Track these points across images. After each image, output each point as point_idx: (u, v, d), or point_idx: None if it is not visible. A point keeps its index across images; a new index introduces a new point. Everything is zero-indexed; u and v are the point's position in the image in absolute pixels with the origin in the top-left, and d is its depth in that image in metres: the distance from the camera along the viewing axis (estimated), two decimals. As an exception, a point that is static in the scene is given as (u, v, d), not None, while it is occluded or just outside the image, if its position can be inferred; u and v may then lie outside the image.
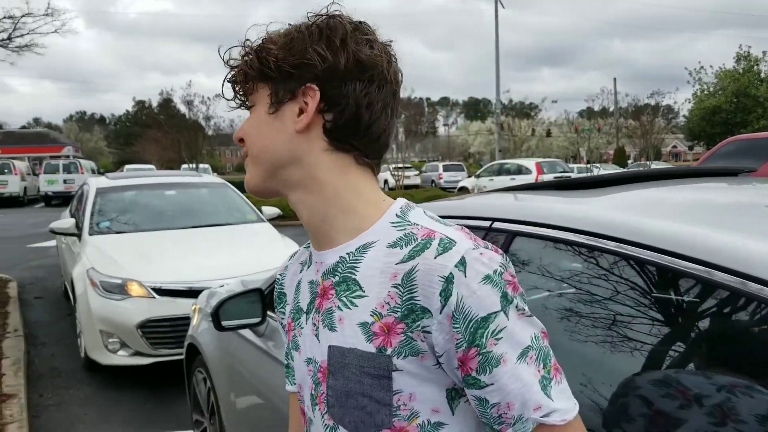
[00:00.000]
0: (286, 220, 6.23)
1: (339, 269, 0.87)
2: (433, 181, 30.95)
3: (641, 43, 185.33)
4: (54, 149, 46.36)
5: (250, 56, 0.89)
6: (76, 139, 60.10)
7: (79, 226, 5.89)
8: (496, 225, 1.65)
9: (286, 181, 0.89)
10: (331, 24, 0.86)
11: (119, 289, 4.72)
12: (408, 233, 0.84)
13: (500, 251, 0.83)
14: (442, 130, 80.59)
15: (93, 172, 28.82)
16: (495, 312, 0.77)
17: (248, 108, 0.93)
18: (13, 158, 30.23)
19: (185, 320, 4.50)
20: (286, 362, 1.08)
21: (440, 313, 0.78)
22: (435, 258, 0.79)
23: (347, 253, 0.87)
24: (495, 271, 0.79)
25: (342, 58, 0.84)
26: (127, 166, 31.30)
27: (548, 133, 47.17)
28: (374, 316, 0.82)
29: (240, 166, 55.17)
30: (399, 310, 0.80)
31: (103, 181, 6.68)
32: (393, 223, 0.86)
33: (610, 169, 30.19)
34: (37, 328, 6.26)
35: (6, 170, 25.89)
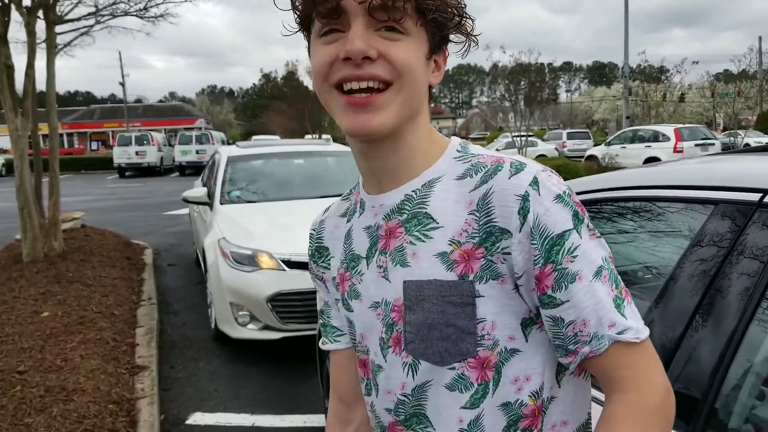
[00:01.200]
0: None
1: (406, 207, 0.87)
2: (556, 149, 29.40)
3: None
4: (187, 122, 49.42)
5: None
6: (207, 111, 63.57)
7: (210, 194, 5.80)
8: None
9: (405, 128, 0.86)
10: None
11: (249, 261, 4.52)
12: (475, 163, 0.85)
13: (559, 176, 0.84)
14: (564, 96, 76.99)
15: (223, 142, 30.20)
16: (569, 230, 0.79)
17: (396, 30, 0.81)
18: (152, 130, 32.34)
19: (314, 294, 4.24)
20: (322, 321, 1.06)
21: (519, 231, 0.79)
22: (509, 179, 0.80)
23: (413, 191, 0.87)
24: (564, 192, 0.81)
25: (466, 19, 0.86)
26: (254, 137, 32.43)
27: (681, 98, 43.42)
28: (453, 245, 0.82)
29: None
30: (477, 235, 0.81)
31: (233, 150, 6.57)
32: (456, 158, 0.87)
33: (754, 137, 27.14)
34: (170, 296, 6.33)
35: (145, 142, 27.68)
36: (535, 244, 0.78)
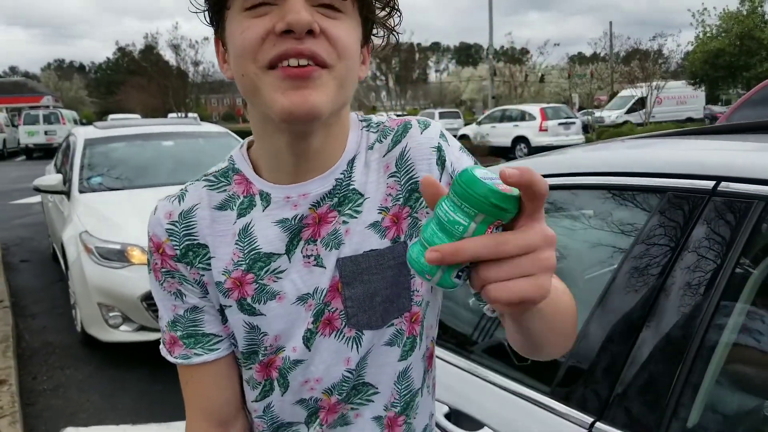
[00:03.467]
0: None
1: (337, 190, 0.83)
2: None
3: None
4: (32, 99, 44.77)
5: None
6: (55, 88, 58.08)
7: (66, 182, 5.20)
8: (728, 187, 1.08)
9: (337, 114, 0.81)
10: None
11: (119, 256, 4.09)
12: (382, 129, 0.87)
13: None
14: (433, 76, 79.09)
15: (75, 122, 27.72)
16: None
17: (334, 8, 0.75)
18: (-10, 109, 28.92)
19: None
20: (186, 332, 0.87)
21: (440, 180, 0.82)
22: (422, 134, 0.84)
23: (342, 173, 0.84)
24: (462, 146, 0.88)
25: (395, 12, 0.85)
26: (111, 116, 30.03)
27: (542, 79, 46.29)
28: (382, 212, 0.83)
29: (228, 115, 53.65)
30: (401, 195, 0.83)
31: (91, 132, 5.90)
32: (363, 129, 0.88)
33: (608, 111, 29.57)
34: (25, 297, 5.65)
35: (-17, 122, 24.69)
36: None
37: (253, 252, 0.83)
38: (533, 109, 19.03)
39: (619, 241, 1.23)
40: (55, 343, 4.55)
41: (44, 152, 24.57)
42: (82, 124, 28.75)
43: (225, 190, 0.86)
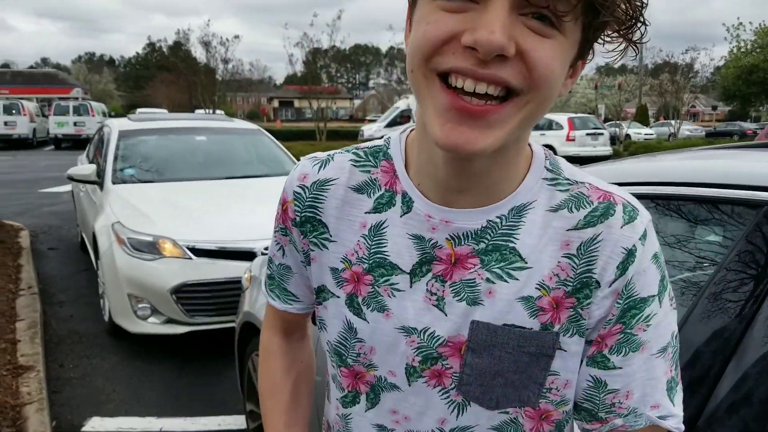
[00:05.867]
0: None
1: (487, 236, 0.72)
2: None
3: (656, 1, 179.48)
4: (63, 90, 45.57)
5: None
6: (85, 80, 58.97)
7: (100, 172, 5.23)
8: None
9: (510, 144, 0.66)
10: None
11: (150, 248, 4.09)
12: (576, 194, 0.72)
13: None
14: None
15: (104, 114, 28.09)
16: (653, 296, 0.71)
17: (549, 23, 0.59)
18: (22, 99, 29.42)
19: (224, 285, 3.98)
20: (272, 279, 0.92)
21: (609, 286, 0.70)
22: (621, 228, 0.70)
23: (498, 217, 0.72)
24: (659, 250, 0.73)
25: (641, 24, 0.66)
26: (139, 110, 30.40)
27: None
28: (541, 290, 0.71)
29: (252, 113, 53.79)
30: (570, 283, 0.71)
31: (125, 123, 5.94)
32: (547, 179, 0.73)
33: (634, 128, 29.23)
34: (53, 284, 5.68)
35: (15, 111, 25.05)
36: (619, 304, 0.70)
37: (379, 256, 0.77)
38: (560, 118, 18.88)
39: (708, 254, 1.17)
40: (81, 332, 4.56)
41: (72, 143, 24.93)
42: (111, 116, 29.13)
43: (369, 171, 0.79)
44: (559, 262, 0.71)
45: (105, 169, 5.16)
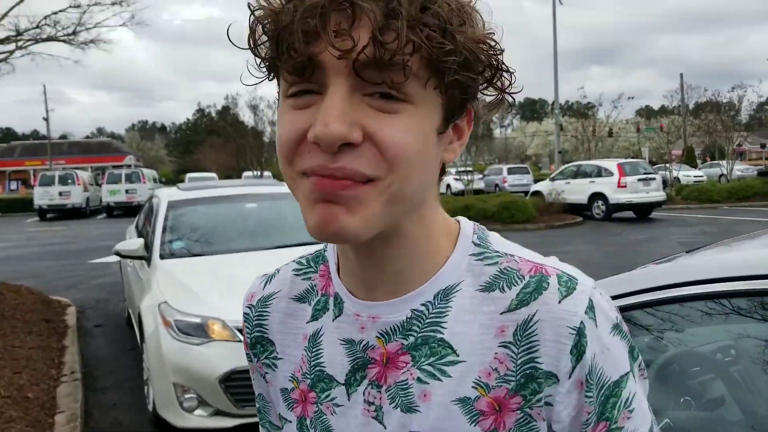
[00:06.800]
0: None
1: (414, 327, 0.66)
2: (497, 185, 29.65)
3: (692, 38, 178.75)
4: (117, 159, 47.36)
5: (440, 30, 0.56)
6: (137, 148, 61.33)
7: (148, 246, 4.96)
8: None
9: (404, 224, 0.65)
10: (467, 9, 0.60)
11: (198, 331, 3.72)
12: (505, 269, 0.66)
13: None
14: (498, 131, 79.13)
15: (155, 181, 28.79)
16: (625, 374, 0.63)
17: (394, 98, 0.57)
18: (77, 168, 30.51)
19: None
20: (260, 416, 0.85)
21: (569, 377, 0.61)
22: (560, 302, 0.62)
23: (423, 305, 0.66)
24: (618, 318, 0.65)
25: (502, 73, 0.64)
26: (189, 175, 31.02)
27: (610, 133, 45.33)
28: (479, 389, 0.64)
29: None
30: (513, 378, 0.63)
31: (174, 193, 5.71)
32: (474, 255, 0.68)
33: (683, 171, 28.20)
34: (97, 367, 5.38)
35: (69, 181, 25.88)
36: (590, 396, 0.61)
37: (318, 369, 0.72)
38: (610, 164, 18.19)
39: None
40: (125, 423, 4.19)
41: (124, 210, 25.46)
42: (161, 182, 29.80)
43: (309, 278, 0.76)
44: (496, 353, 0.63)
45: (153, 243, 4.90)
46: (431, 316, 0.65)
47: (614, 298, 1.35)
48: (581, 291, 0.62)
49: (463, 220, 0.72)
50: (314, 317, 0.74)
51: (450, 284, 0.66)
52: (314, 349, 0.73)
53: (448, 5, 0.56)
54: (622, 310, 1.36)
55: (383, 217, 0.60)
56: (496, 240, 0.70)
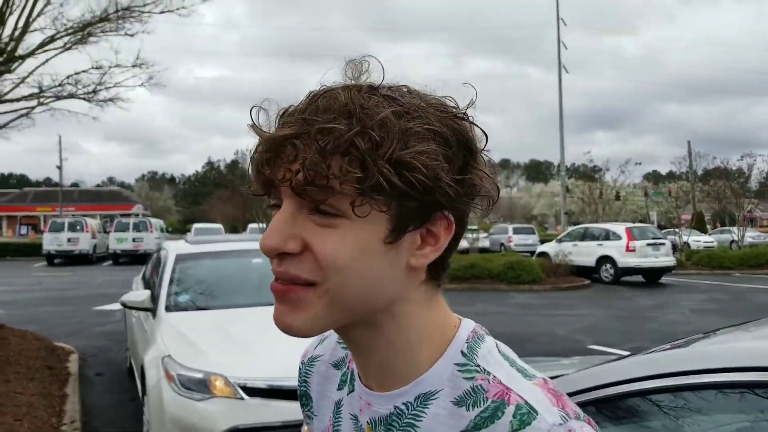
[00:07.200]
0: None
1: (395, 423, 0.69)
2: (502, 244, 29.67)
3: (697, 107, 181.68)
4: (125, 207, 47.86)
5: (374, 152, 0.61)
6: (146, 197, 62.01)
7: (154, 298, 5.00)
8: None
9: (360, 322, 0.68)
10: (458, 126, 0.65)
11: (200, 386, 3.72)
12: (476, 387, 0.66)
13: (594, 425, 0.63)
14: (503, 191, 79.80)
15: (162, 230, 28.97)
16: None
17: (329, 214, 0.63)
18: (86, 216, 30.81)
19: (282, 430, 3.52)
20: None
21: None
22: None
23: (404, 404, 0.69)
24: None
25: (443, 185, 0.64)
26: (195, 225, 31.26)
27: (617, 197, 45.54)
28: None
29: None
30: None
31: (182, 246, 5.80)
32: (458, 365, 0.68)
33: (695, 236, 28.15)
34: (97, 417, 5.33)
35: (78, 227, 26.16)
36: None
37: (336, 429, 0.78)
38: (618, 228, 18.22)
39: None
40: (122, 478, 4.14)
41: (130, 258, 25.56)
42: (168, 231, 29.96)
43: (346, 349, 0.81)
44: None
45: (159, 295, 4.94)
46: (409, 417, 0.68)
47: (628, 381, 1.34)
48: (536, 428, 0.61)
49: (466, 324, 0.72)
50: (339, 387, 0.80)
51: (431, 390, 0.68)
52: (336, 416, 0.79)
53: (381, 128, 0.61)
54: (642, 393, 1.33)
55: (328, 317, 0.66)
56: (486, 351, 0.70)
